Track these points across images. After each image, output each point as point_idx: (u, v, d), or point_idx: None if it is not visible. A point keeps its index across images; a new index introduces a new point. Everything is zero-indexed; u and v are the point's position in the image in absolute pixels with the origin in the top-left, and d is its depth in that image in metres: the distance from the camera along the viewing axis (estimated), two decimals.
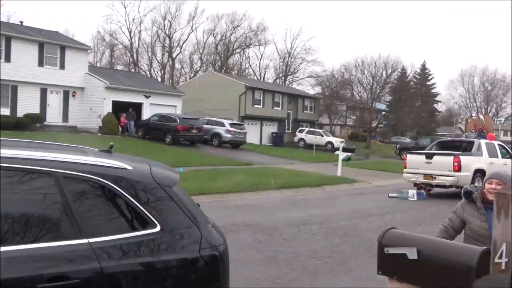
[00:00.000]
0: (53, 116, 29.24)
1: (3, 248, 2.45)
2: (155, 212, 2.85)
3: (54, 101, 29.52)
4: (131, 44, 61.66)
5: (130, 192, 2.82)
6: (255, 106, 40.52)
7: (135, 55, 62.50)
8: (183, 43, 63.06)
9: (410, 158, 15.69)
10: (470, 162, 14.35)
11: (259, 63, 66.53)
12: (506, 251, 1.95)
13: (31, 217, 2.64)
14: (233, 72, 62.41)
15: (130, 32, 61.00)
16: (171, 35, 61.96)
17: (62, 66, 29.40)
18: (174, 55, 62.82)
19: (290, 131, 44.50)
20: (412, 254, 2.22)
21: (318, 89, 57.63)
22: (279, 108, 43.26)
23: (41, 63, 28.43)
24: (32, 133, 24.36)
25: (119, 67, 61.33)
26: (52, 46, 29.20)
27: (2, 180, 2.60)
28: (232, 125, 29.83)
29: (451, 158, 14.34)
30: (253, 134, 38.91)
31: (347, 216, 10.76)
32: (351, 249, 7.62)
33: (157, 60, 64.90)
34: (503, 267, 1.97)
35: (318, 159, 27.89)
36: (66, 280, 2.48)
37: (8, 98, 27.24)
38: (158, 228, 2.81)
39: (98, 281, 2.57)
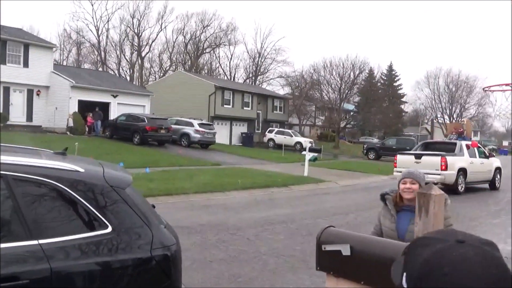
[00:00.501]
0: (17, 116, 28.58)
1: None
2: (106, 213, 2.92)
3: (18, 100, 28.86)
4: (99, 42, 60.79)
5: (82, 194, 2.89)
6: (225, 106, 40.57)
7: (103, 53, 61.62)
8: (152, 42, 62.61)
9: (400, 158, 16.69)
10: (454, 162, 15.47)
11: (229, 63, 66.57)
12: None
13: None
14: (203, 72, 62.26)
15: (97, 30, 60.14)
16: (140, 34, 61.37)
17: (25, 64, 28.75)
18: (143, 54, 62.24)
19: (260, 131, 44.74)
20: (345, 250, 2.38)
21: (288, 90, 58.14)
22: (249, 108, 43.43)
23: (3, 61, 27.69)
24: None
25: (86, 66, 60.33)
26: (15, 43, 28.52)
27: None
28: (201, 125, 29.82)
29: (438, 158, 15.35)
30: (222, 134, 38.96)
31: (312, 215, 10.97)
32: (312, 248, 7.76)
33: (126, 59, 64.20)
34: None
35: (286, 159, 28.16)
36: (16, 281, 2.54)
37: None
38: (109, 229, 2.89)
39: (49, 281, 2.63)
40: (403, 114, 65.54)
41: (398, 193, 3.54)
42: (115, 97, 31.61)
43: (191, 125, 29.54)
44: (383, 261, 2.25)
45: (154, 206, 3.89)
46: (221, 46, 64.50)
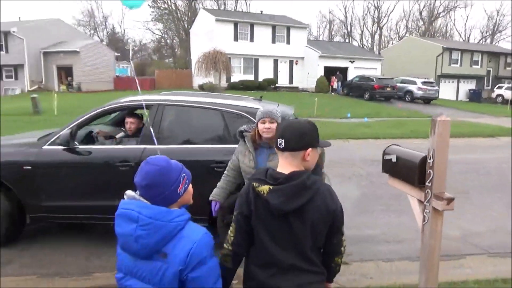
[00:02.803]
0: (283, 80, 32.47)
1: (202, 146, 4.08)
2: None
3: (283, 68, 32.66)
4: (346, 18, 61.55)
5: None
6: (452, 65, 36.46)
7: (349, 27, 62.26)
8: (390, 13, 59.85)
9: None
10: None
11: (464, 24, 58.26)
12: (431, 155, 2.58)
13: (210, 132, 4.21)
14: (437, 35, 56.33)
15: (345, 8, 60.92)
16: (380, 7, 59.27)
17: (288, 42, 32.11)
18: (381, 24, 60.18)
19: (489, 87, 38.68)
20: (394, 158, 2.95)
21: None
22: (478, 66, 37.86)
23: (273, 41, 31.64)
24: (267, 92, 27.82)
25: (337, 39, 62.18)
26: (281, 27, 32.04)
27: (202, 114, 4.23)
28: (423, 83, 27.95)
29: None
30: (449, 91, 35.52)
31: (495, 161, 9.82)
32: (471, 183, 7.41)
33: (368, 30, 63.26)
34: (431, 164, 2.60)
35: (509, 113, 24.08)
36: (222, 164, 3.97)
37: (252, 68, 31.50)
38: None
39: None
40: None
41: (257, 131, 3.01)
42: (352, 62, 32.38)
43: (414, 83, 28.01)
44: (410, 165, 2.80)
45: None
46: (456, 9, 56.82)
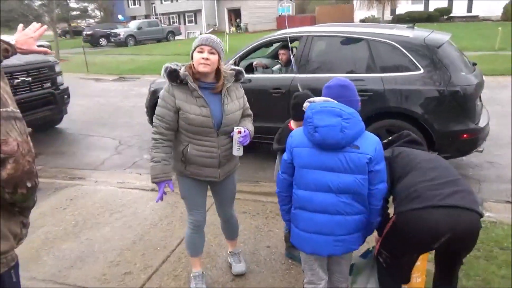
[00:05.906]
0: (459, 8, 28.14)
1: (348, 75, 4.25)
2: (421, 61, 3.92)
3: None
4: None
5: (408, 49, 3.98)
6: None
7: None
8: None
9: None
10: None
11: None
12: None
13: (356, 61, 4.28)
14: None
15: None
16: None
17: None
18: None
19: None
20: None
21: None
22: None
23: None
24: (439, 24, 24.64)
25: None
26: None
27: (348, 44, 4.34)
28: None
29: None
30: None
31: None
32: None
33: None
34: None
35: None
36: (367, 92, 4.05)
37: None
38: (421, 71, 3.91)
39: (381, 95, 4.02)
40: None
41: (192, 65, 2.15)
42: None
43: None
44: None
45: (475, 64, 4.44)
46: None
